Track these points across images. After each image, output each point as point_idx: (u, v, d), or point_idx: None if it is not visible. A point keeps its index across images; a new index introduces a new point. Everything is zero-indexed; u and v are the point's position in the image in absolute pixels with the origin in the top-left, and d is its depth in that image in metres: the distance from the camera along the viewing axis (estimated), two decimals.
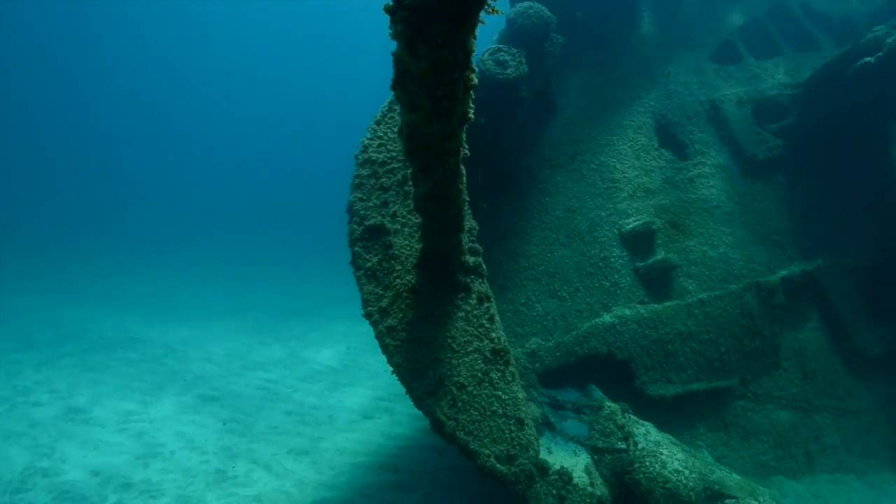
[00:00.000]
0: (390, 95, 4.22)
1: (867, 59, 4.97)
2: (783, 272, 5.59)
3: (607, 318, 5.09)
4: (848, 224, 6.07)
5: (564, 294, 5.45)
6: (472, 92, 1.54)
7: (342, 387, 7.79)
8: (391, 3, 1.23)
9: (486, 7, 1.21)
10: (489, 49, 4.71)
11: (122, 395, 6.72)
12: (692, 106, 6.52)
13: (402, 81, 1.47)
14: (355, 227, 3.50)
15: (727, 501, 3.51)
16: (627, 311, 5.13)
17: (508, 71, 4.52)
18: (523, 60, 4.61)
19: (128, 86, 58.14)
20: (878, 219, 6.06)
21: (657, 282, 5.50)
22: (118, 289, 16.16)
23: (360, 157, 3.76)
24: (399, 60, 1.40)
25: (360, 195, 3.60)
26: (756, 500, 3.42)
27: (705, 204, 6.03)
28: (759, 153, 6.19)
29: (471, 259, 3.48)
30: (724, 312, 5.29)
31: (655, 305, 5.23)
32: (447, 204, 2.28)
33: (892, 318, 5.62)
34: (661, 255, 5.56)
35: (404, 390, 8.01)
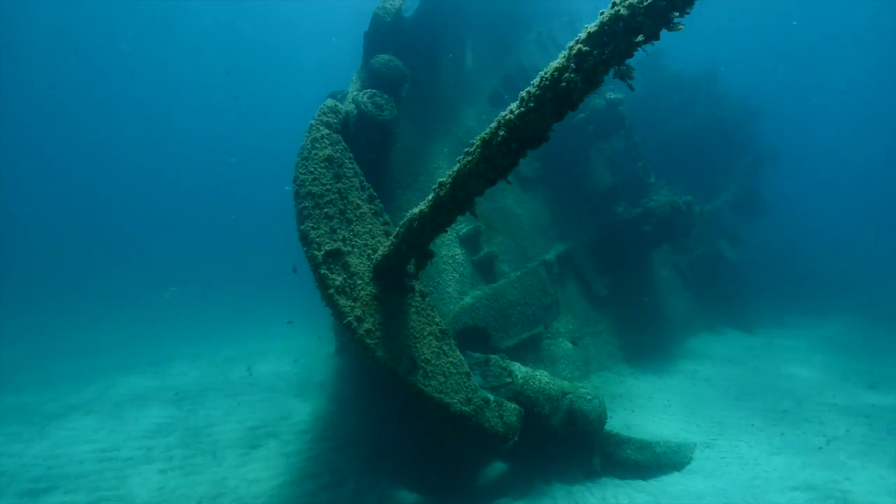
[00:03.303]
0: (306, 135, 4.75)
1: (581, 115, 8.09)
2: (554, 251, 8.42)
3: (468, 300, 6.77)
4: (579, 216, 9.48)
5: (431, 288, 6.86)
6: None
7: (204, 430, 7.22)
8: (504, 135, 2.38)
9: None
10: (365, 92, 5.66)
11: None
12: None
13: (488, 167, 2.59)
14: (316, 252, 4.04)
15: (569, 395, 5.60)
16: (479, 292, 6.93)
17: (385, 113, 5.61)
18: (394, 104, 5.77)
19: None
20: (589, 210, 9.71)
21: (487, 268, 7.51)
22: None
23: (301, 191, 4.25)
24: (492, 158, 2.52)
25: (311, 225, 4.13)
26: (584, 388, 5.62)
27: (504, 210, 8.41)
28: (529, 172, 8.97)
29: (409, 267, 4.50)
30: (530, 283, 7.69)
31: (494, 285, 7.20)
32: (443, 229, 3.37)
33: (608, 272, 9.19)
34: (486, 249, 7.57)
35: (277, 415, 8.33)
